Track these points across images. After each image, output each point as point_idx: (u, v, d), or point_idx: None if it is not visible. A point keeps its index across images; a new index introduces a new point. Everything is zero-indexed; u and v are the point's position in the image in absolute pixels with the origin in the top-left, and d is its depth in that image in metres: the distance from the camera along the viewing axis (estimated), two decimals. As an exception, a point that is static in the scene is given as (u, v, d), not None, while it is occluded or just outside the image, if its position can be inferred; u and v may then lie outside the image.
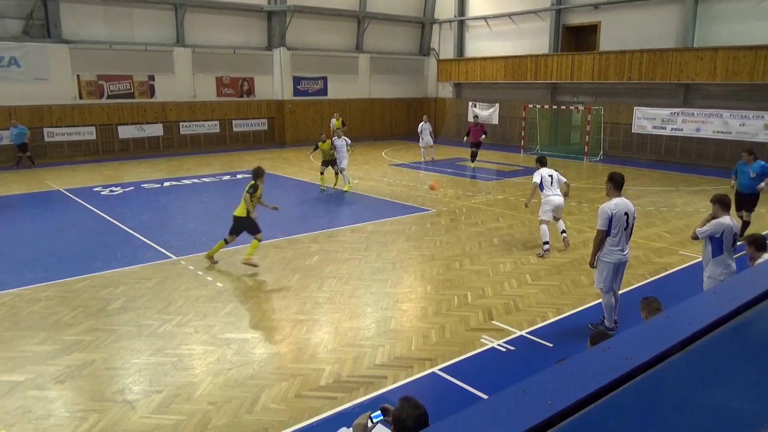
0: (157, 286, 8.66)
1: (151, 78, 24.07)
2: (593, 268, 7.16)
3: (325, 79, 28.78)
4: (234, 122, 26.67)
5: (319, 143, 16.86)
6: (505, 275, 9.18)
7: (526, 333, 7.05)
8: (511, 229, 12.10)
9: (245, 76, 26.65)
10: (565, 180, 10.50)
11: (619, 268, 6.95)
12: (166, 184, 17.36)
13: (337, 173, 16.73)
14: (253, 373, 6.10)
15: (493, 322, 7.38)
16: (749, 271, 3.43)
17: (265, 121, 27.63)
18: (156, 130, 24.52)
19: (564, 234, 10.59)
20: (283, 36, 26.95)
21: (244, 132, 27.08)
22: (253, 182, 9.67)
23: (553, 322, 7.42)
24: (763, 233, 8.39)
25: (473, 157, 21.02)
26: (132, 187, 16.76)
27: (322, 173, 16.81)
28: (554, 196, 10.32)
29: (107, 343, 6.78)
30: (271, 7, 26.49)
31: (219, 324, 7.33)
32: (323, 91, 28.90)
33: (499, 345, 6.73)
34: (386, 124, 31.76)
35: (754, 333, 1.17)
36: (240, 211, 9.54)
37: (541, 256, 10.12)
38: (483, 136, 20.81)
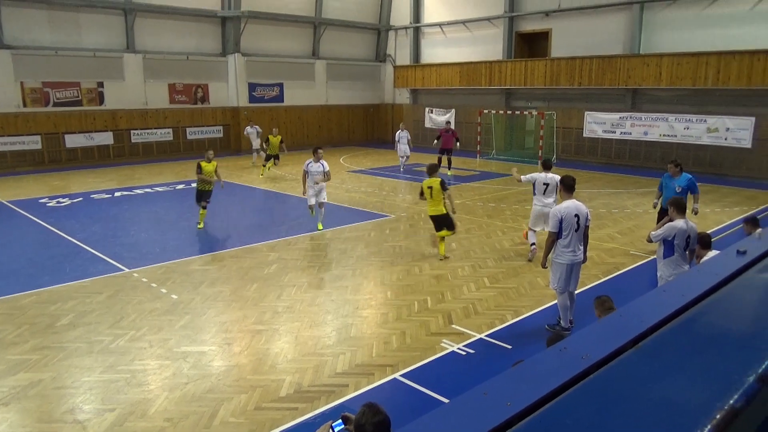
0: (108, 300, 8.38)
1: (100, 85, 23.39)
2: (545, 268, 7.33)
3: (281, 85, 28.58)
4: (188, 129, 26.16)
5: (270, 136, 18.22)
6: (464, 279, 9.27)
7: (486, 336, 7.13)
8: (468, 234, 12.24)
9: (199, 83, 26.20)
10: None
11: (572, 269, 7.11)
12: (117, 194, 16.86)
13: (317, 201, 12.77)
14: (211, 386, 5.97)
15: (453, 326, 7.43)
16: (696, 269, 3.56)
17: (221, 128, 27.21)
18: (106, 138, 23.82)
19: (533, 246, 10.17)
20: (237, 42, 26.64)
21: (199, 139, 26.59)
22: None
23: (511, 324, 7.53)
24: (708, 231, 8.75)
25: (449, 164, 20.33)
26: (80, 198, 16.21)
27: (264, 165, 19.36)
28: (540, 206, 9.88)
29: (56, 362, 6.51)
30: (225, 13, 26.15)
31: (174, 337, 7.14)
32: (279, 98, 28.68)
33: (459, 349, 6.78)
34: (344, 130, 31.75)
35: (699, 328, 1.21)
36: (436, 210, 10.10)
37: (530, 260, 10.10)
38: (457, 143, 20.45)
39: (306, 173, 12.21)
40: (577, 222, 6.95)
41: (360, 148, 29.64)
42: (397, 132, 21.68)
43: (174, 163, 23.53)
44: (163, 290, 8.82)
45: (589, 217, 7.15)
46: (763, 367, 0.96)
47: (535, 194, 10.03)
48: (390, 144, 31.20)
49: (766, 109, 19.33)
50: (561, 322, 7.29)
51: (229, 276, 9.45)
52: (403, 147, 21.22)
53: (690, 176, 10.25)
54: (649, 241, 6.99)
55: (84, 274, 9.51)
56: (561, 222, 6.91)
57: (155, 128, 25.12)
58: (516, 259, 10.34)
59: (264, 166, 20.39)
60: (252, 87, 27.53)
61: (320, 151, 12.25)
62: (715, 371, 0.98)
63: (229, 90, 27.23)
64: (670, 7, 21.44)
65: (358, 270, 9.74)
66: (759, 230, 2.30)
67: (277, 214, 14.43)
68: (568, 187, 7.06)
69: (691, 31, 20.92)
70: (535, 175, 10.08)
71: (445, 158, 20.24)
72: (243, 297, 8.49)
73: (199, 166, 12.59)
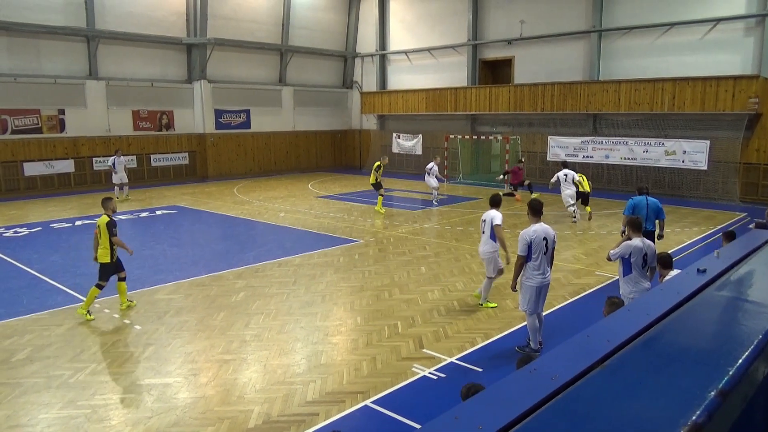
0: (68, 333, 8.10)
1: (62, 112, 22.95)
2: (515, 291, 7.39)
3: (248, 111, 28.52)
4: (152, 157, 25.79)
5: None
6: (434, 303, 9.28)
7: (456, 359, 7.12)
8: (438, 257, 12.29)
9: (164, 109, 25.95)
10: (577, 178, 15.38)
11: (541, 291, 7.20)
12: (78, 223, 16.43)
13: None
14: (176, 419, 5.78)
15: (424, 350, 7.40)
16: (659, 288, 3.65)
17: (186, 155, 26.91)
18: (66, 166, 23.29)
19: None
20: (203, 69, 26.56)
21: (164, 167, 26.22)
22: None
23: (481, 347, 7.54)
24: (669, 251, 8.98)
25: (513, 191, 20.44)
26: (39, 228, 15.74)
27: None
28: (567, 189, 15.79)
29: (11, 398, 6.23)
30: (191, 40, 26.10)
31: (138, 369, 6.92)
32: (246, 124, 28.58)
33: (430, 373, 6.75)
34: (312, 156, 31.77)
35: (662, 346, 1.23)
36: None
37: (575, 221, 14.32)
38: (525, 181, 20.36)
39: None
40: (546, 245, 7.08)
41: (328, 174, 29.66)
42: (431, 163, 19.51)
43: (138, 190, 23.11)
44: (126, 321, 8.57)
45: (555, 239, 7.28)
46: (723, 382, 0.98)
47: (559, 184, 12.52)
48: (357, 169, 31.35)
49: (720, 132, 20.13)
50: (531, 343, 7.34)
51: (195, 305, 9.25)
52: (431, 180, 19.24)
53: (656, 201, 10.41)
54: (609, 259, 7.17)
55: (42, 306, 9.19)
56: (530, 245, 7.02)
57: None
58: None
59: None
60: (218, 113, 27.39)
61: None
62: (678, 388, 0.99)
63: (195, 116, 27.03)
64: (626, 36, 22.29)
65: (328, 296, 9.66)
66: (717, 250, 2.39)
67: (244, 241, 14.25)
68: (535, 210, 7.19)
69: (647, 59, 21.76)
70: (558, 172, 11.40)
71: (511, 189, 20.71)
72: (210, 326, 8.31)
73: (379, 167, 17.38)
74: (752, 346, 1.12)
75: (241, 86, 28.10)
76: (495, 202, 8.88)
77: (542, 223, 7.23)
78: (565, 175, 16.18)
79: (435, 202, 19.30)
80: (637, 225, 7.04)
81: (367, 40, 31.95)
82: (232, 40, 27.00)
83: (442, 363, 7.01)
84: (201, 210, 18.47)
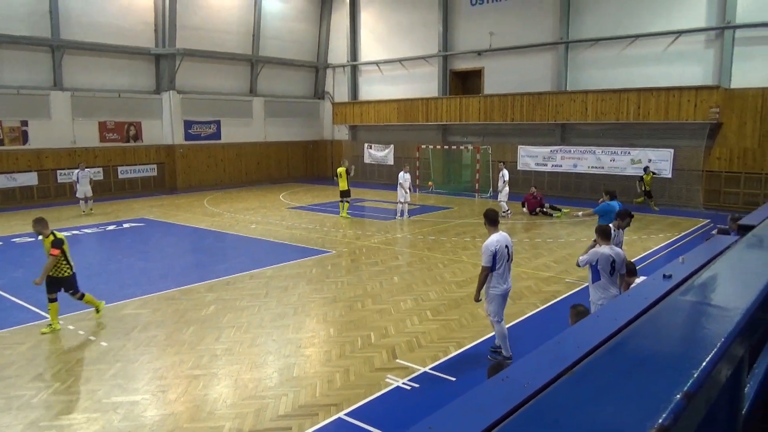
0: (30, 351, 7.84)
1: (24, 123, 22.39)
2: (478, 302, 7.44)
3: (218, 122, 28.26)
4: (120, 169, 25.32)
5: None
6: (407, 312, 9.27)
7: (430, 369, 7.11)
8: (410, 267, 12.31)
9: (132, 120, 25.54)
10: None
11: (505, 298, 7.33)
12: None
13: None
14: (145, 437, 5.63)
15: (397, 360, 7.38)
16: (626, 294, 3.71)
17: (155, 166, 26.50)
18: (30, 179, 22.69)
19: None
20: (172, 79, 26.26)
21: (132, 179, 25.77)
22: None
23: (454, 356, 7.55)
24: (636, 258, 9.17)
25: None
26: (0, 243, 15.27)
27: None
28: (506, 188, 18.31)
29: (-31, 420, 5.99)
30: (160, 51, 25.80)
31: (104, 387, 6.74)
32: (217, 135, 28.32)
33: (403, 383, 6.72)
34: (283, 167, 31.61)
35: (629, 351, 1.24)
36: None
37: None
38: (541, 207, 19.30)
39: None
40: (507, 252, 7.20)
41: (300, 185, 29.53)
42: (400, 173, 18.64)
43: (105, 203, 22.63)
44: (92, 338, 8.35)
45: (512, 246, 7.41)
46: (689, 384, 0.99)
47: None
48: (329, 180, 31.31)
49: (683, 141, 20.70)
50: (502, 351, 7.38)
51: (164, 319, 9.07)
52: (403, 191, 18.33)
53: (606, 203, 10.65)
54: (578, 265, 7.30)
55: (3, 324, 8.89)
56: (495, 255, 7.08)
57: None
58: (457, 291, 10.45)
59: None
60: (188, 124, 27.08)
61: None
62: (645, 392, 1.00)
63: (164, 128, 26.67)
64: (592, 47, 22.82)
65: (300, 308, 9.57)
66: (682, 256, 2.44)
67: (215, 253, 14.06)
68: (492, 220, 7.27)
69: (612, 70, 22.31)
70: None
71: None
72: (179, 341, 8.15)
73: (338, 174, 18.14)
74: (715, 349, 1.14)
75: (211, 97, 27.85)
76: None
77: (500, 231, 7.32)
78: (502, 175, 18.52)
79: (398, 216, 18.46)
80: (607, 233, 7.18)
81: (338, 50, 32.05)
82: (201, 50, 26.79)
83: (416, 373, 7.00)
84: (170, 222, 18.17)
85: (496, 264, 7.09)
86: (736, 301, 1.48)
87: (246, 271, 11.93)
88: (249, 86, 29.85)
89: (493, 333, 8.18)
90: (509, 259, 7.21)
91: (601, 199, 11.16)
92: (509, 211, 18.66)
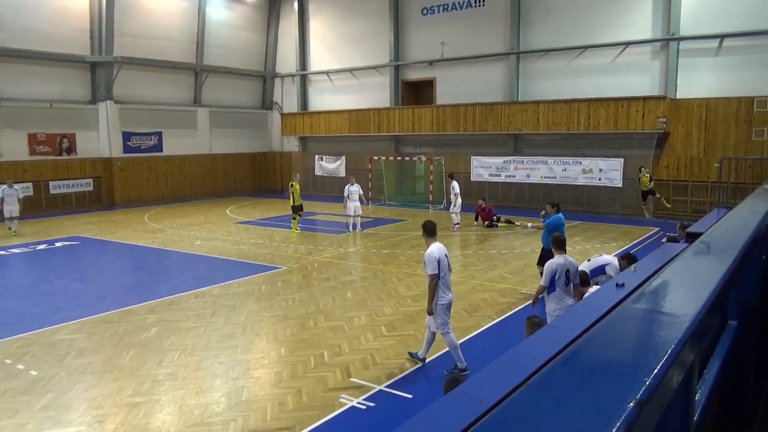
0: (-49, 382, 7.39)
1: (-56, 135, 21.29)
2: (432, 315, 7.46)
3: (159, 134, 27.62)
4: (51, 183, 24.36)
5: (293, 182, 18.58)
6: (361, 329, 9.23)
7: (385, 387, 7.09)
8: (364, 282, 12.28)
9: (65, 132, 24.65)
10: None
11: (450, 308, 7.49)
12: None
13: None
14: (80, 472, 5.37)
15: (352, 379, 7.32)
16: (581, 304, 3.81)
17: (90, 181, 25.62)
18: (-49, 195, 21.50)
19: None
20: (109, 88, 25.53)
21: (65, 194, 24.82)
22: None
23: (411, 372, 7.55)
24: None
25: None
26: None
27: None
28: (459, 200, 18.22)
29: None
30: (96, 58, 25.07)
31: (33, 420, 6.40)
32: (158, 147, 27.66)
33: (358, 403, 6.67)
34: (230, 180, 31.14)
35: (583, 360, 1.27)
36: None
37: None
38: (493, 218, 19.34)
39: None
40: (447, 262, 7.41)
41: (248, 198, 29.14)
42: (347, 186, 18.54)
43: (35, 220, 21.69)
44: (20, 366, 7.94)
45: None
46: (641, 392, 1.01)
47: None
48: (278, 193, 31.00)
49: (632, 151, 21.54)
50: (458, 364, 7.44)
51: (101, 344, 8.73)
52: (353, 204, 18.21)
53: (556, 216, 10.42)
54: (544, 287, 7.27)
55: None
56: (439, 263, 7.23)
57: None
58: (412, 305, 10.48)
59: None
60: (127, 136, 26.35)
61: None
62: (599, 401, 1.02)
63: (101, 140, 25.86)
64: (543, 58, 23.54)
65: (249, 327, 9.40)
66: (634, 265, 2.52)
67: (157, 272, 13.66)
68: (430, 231, 7.50)
69: (563, 80, 23.05)
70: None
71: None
72: (118, 366, 7.85)
73: (291, 185, 18.26)
74: (666, 356, 1.17)
75: (151, 107, 27.22)
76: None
77: (438, 242, 7.51)
78: (452, 187, 18.67)
79: (350, 229, 18.45)
80: (562, 243, 7.40)
81: (287, 59, 31.94)
82: (141, 58, 26.18)
83: (371, 391, 6.96)
84: (107, 240, 17.57)
85: (440, 273, 7.25)
86: (685, 307, 1.53)
87: (190, 290, 11.64)
88: (193, 96, 29.35)
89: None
90: (449, 269, 7.44)
91: (544, 212, 11.11)
92: (458, 225, 18.81)
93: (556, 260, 7.23)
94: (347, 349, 8.39)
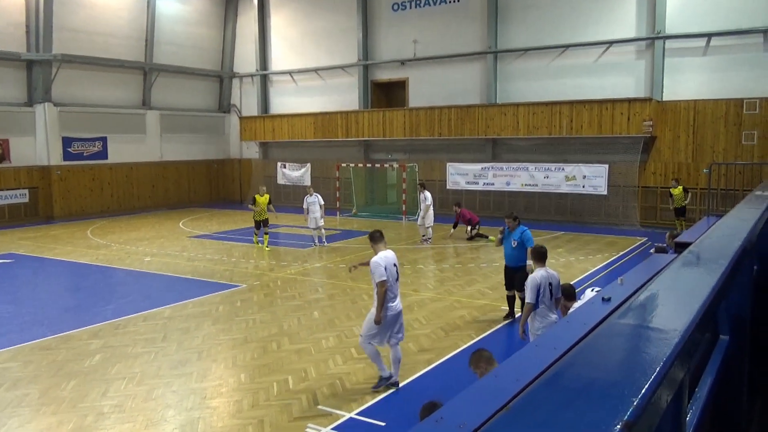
0: None
1: None
2: (378, 324, 7.58)
3: (104, 139, 27.20)
4: (-18, 195, 23.75)
5: (257, 196, 17.75)
6: (329, 352, 9.18)
7: (356, 414, 7.05)
8: (332, 300, 12.23)
9: (-3, 138, 24.09)
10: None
11: (398, 318, 7.65)
12: None
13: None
14: None
15: (319, 407, 7.27)
16: (565, 320, 3.85)
17: (26, 191, 25.05)
18: None
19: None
20: (48, 89, 25.07)
21: (-3, 206, 24.21)
22: None
23: (383, 397, 7.53)
24: (574, 280, 9.57)
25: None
26: None
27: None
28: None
29: None
30: (32, 56, 24.60)
31: (-39, 459, 6.19)
32: (103, 154, 27.23)
33: (327, 433, 6.62)
34: (183, 190, 30.80)
35: (567, 380, 1.28)
36: None
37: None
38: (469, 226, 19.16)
39: None
40: (396, 270, 7.59)
41: (203, 210, 28.84)
42: (305, 197, 18.68)
43: (-37, 236, 21.10)
44: (-54, 400, 7.68)
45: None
46: (628, 414, 1.03)
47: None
48: (237, 204, 30.76)
49: (617, 156, 21.98)
50: (381, 373, 7.63)
51: (38, 373, 8.50)
52: (314, 216, 18.21)
53: (524, 228, 10.32)
54: (529, 302, 7.29)
55: None
56: (386, 270, 7.40)
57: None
58: (385, 325, 10.46)
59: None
60: (67, 142, 25.87)
61: None
62: (584, 424, 1.03)
63: (38, 146, 25.33)
64: (522, 57, 23.93)
65: (205, 352, 9.27)
66: (621, 277, 2.57)
67: (101, 292, 13.40)
68: (376, 239, 7.70)
69: (543, 81, 23.46)
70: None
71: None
72: (57, 398, 7.65)
73: (253, 199, 17.75)
74: (654, 374, 1.19)
75: (95, 110, 26.81)
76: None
77: (387, 249, 7.72)
78: (424, 197, 18.38)
79: (316, 243, 18.40)
80: (543, 255, 7.49)
81: (245, 58, 31.82)
82: (83, 56, 25.79)
83: (340, 420, 6.91)
84: (45, 257, 17.18)
85: (389, 281, 7.42)
86: (674, 322, 1.56)
87: (139, 312, 11.45)
88: (141, 98, 29.00)
89: (427, 370, 8.25)
90: (397, 278, 7.62)
91: (502, 229, 10.60)
92: (430, 239, 18.67)
93: (539, 274, 7.30)
94: (314, 373, 8.33)
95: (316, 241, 18.44)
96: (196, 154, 31.36)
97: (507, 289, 10.68)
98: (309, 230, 18.77)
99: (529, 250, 7.74)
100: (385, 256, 7.54)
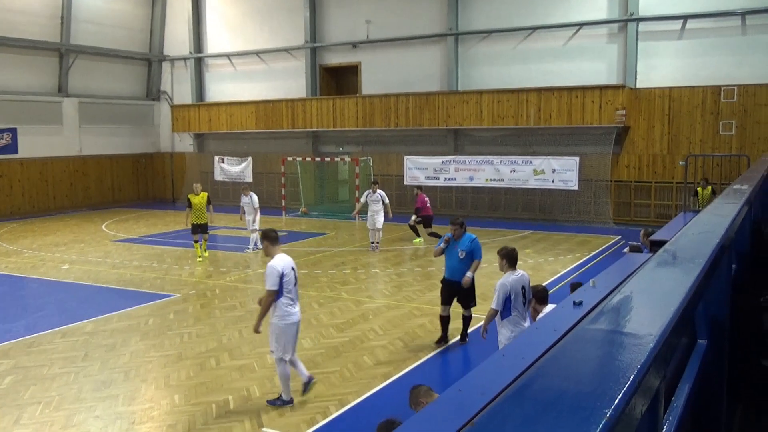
0: None
1: None
2: (258, 333, 7.82)
3: (13, 131, 26.47)
4: None
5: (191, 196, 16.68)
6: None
7: (306, 437, 7.04)
8: (278, 310, 12.16)
9: None
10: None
11: (297, 329, 7.88)
12: None
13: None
14: None
15: (264, 429, 7.24)
16: (534, 326, 3.91)
17: None
18: None
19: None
20: (-55, 73, 24.19)
21: None
22: None
23: (336, 417, 7.53)
24: (544, 284, 9.73)
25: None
26: None
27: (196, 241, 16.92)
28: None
29: None
30: (-75, 35, 23.69)
31: None
32: (12, 148, 26.50)
33: (273, 459, 6.58)
34: (106, 188, 30.20)
35: (535, 392, 1.30)
36: None
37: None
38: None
39: None
40: (294, 275, 7.75)
41: (130, 210, 28.34)
42: (241, 196, 18.45)
43: None
44: None
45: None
46: (600, 426, 1.04)
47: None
48: (168, 203, 30.29)
49: (588, 148, 22.48)
50: (282, 395, 7.74)
51: (-62, 400, 8.20)
52: (248, 218, 18.07)
53: (473, 237, 9.95)
54: (496, 309, 7.34)
55: None
56: (282, 277, 7.51)
57: None
58: (337, 336, 10.47)
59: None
60: (-30, 134, 25.03)
61: None
62: (553, 439, 1.04)
63: (-65, 138, 24.43)
64: (485, 40, 24.23)
65: (133, 371, 9.11)
66: (593, 279, 2.62)
67: (11, 306, 13.03)
68: (272, 239, 7.86)
69: (509, 66, 23.81)
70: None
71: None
72: (-40, 428, 7.40)
73: (188, 200, 16.52)
74: (628, 383, 1.22)
75: (2, 98, 26.03)
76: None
77: (284, 252, 7.90)
78: (380, 196, 17.81)
79: (250, 248, 18.08)
80: (514, 257, 7.54)
81: (177, 39, 31.34)
82: (-13, 35, 24.99)
83: (289, 444, 6.88)
84: (-55, 266, 16.62)
85: (284, 288, 7.51)
86: (648, 326, 1.60)
87: (56, 328, 11.20)
88: (57, 84, 28.31)
89: (383, 385, 8.27)
90: (296, 282, 7.79)
91: (447, 238, 9.94)
92: (376, 244, 17.91)
93: (510, 277, 7.33)
94: (258, 392, 8.28)
95: (252, 246, 18.11)
96: (120, 147, 30.76)
97: (443, 305, 9.87)
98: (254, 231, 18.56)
99: (500, 250, 7.71)
100: (282, 260, 7.65)
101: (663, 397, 1.66)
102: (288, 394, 7.76)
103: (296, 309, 7.78)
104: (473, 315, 10.09)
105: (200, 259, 16.83)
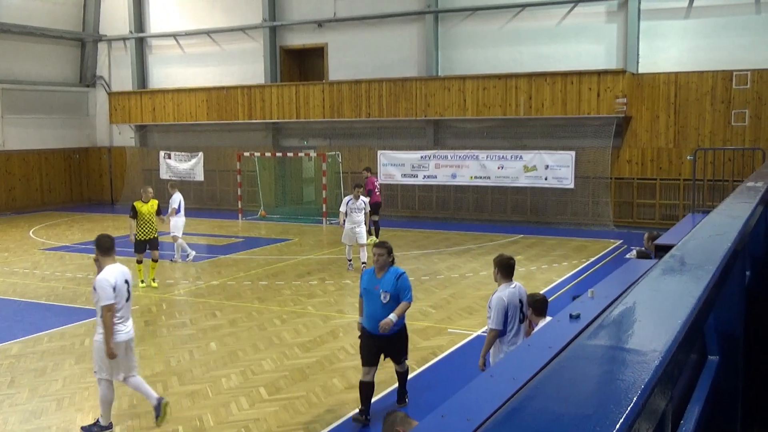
0: None
1: None
2: (113, 358, 7.74)
3: (-77, 122, 26.01)
4: None
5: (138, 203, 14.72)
6: (231, 393, 9.10)
7: (268, 472, 7.02)
8: (234, 327, 12.10)
9: None
10: None
11: (129, 345, 8.02)
12: None
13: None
14: None
15: (220, 465, 7.20)
16: (526, 342, 3.94)
17: None
18: None
19: None
20: None
21: None
22: None
23: (302, 449, 7.52)
24: (542, 291, 9.80)
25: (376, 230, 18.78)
26: None
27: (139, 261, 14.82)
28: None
29: None
30: None
31: None
32: None
33: (230, 498, 6.56)
34: (33, 188, 29.84)
35: (528, 417, 1.31)
36: None
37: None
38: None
39: None
40: (128, 289, 7.97)
41: (61, 214, 28.05)
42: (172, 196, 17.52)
43: None
44: None
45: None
46: (601, 454, 1.07)
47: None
48: (106, 205, 29.99)
49: (585, 141, 22.65)
50: (101, 420, 7.81)
51: None
52: (178, 220, 17.38)
53: (401, 271, 8.47)
54: (496, 328, 7.22)
55: None
56: (116, 289, 7.70)
57: None
58: (303, 357, 10.45)
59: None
60: None
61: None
62: (548, 469, 1.06)
63: None
64: (469, 18, 24.31)
65: (67, 399, 9.03)
66: (591, 289, 2.65)
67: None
68: (105, 249, 8.08)
69: (496, 49, 23.91)
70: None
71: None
72: None
73: (133, 209, 14.70)
74: (631, 405, 1.24)
75: None
76: None
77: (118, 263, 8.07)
78: (363, 204, 16.08)
79: (178, 259, 17.67)
80: (511, 267, 7.46)
81: (116, 17, 31.06)
82: None
83: (248, 480, 6.86)
84: None
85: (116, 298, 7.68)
86: (653, 342, 1.62)
87: (-23, 350, 11.03)
88: (-25, 67, 27.93)
89: (355, 411, 8.27)
90: (129, 297, 7.96)
91: (366, 268, 9.69)
92: (363, 263, 15.98)
93: (506, 291, 7.23)
94: (212, 421, 8.25)
95: (176, 256, 17.54)
96: (50, 141, 30.44)
97: (365, 366, 8.26)
98: (206, 239, 18.46)
99: (495, 259, 7.53)
100: (114, 272, 7.79)
101: (670, 420, 1.69)
102: (107, 419, 7.84)
103: (127, 325, 7.91)
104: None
105: (143, 285, 15.09)
